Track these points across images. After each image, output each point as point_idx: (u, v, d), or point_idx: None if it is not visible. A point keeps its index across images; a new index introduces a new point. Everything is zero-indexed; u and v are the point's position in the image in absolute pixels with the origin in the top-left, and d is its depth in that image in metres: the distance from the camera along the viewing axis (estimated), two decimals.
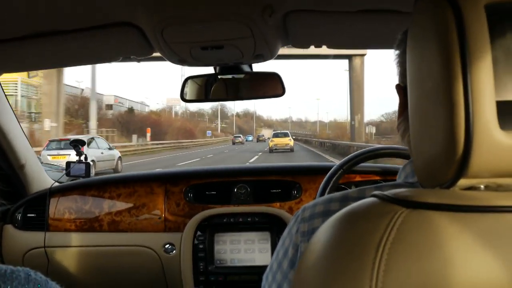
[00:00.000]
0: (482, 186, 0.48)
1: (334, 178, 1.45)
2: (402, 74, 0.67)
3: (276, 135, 31.19)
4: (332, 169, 1.46)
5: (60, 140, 13.81)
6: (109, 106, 45.81)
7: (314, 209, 0.69)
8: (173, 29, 1.13)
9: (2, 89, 1.65)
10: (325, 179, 1.47)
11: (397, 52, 0.69)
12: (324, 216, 0.66)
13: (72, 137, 14.47)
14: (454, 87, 0.45)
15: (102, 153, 14.34)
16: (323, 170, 1.65)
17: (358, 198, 0.61)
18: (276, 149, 28.19)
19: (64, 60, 1.48)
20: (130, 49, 1.36)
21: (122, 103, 51.45)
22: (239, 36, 1.20)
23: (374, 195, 0.50)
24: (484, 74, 0.45)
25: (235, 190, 1.76)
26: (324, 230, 0.51)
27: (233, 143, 50.38)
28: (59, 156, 12.56)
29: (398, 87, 0.69)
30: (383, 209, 0.47)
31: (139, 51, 1.35)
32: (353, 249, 0.45)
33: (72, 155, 13.11)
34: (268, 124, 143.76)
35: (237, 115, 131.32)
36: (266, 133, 72.65)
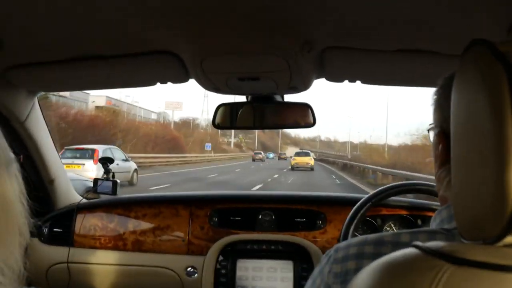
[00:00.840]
0: None
1: (362, 210, 1.51)
2: (442, 120, 0.67)
3: (298, 154, 34.68)
4: (361, 201, 1.50)
5: (76, 149, 13.97)
6: (100, 109, 39.12)
7: (347, 251, 0.69)
8: (213, 59, 1.20)
9: (40, 106, 1.79)
10: (353, 210, 1.52)
11: (435, 96, 0.70)
12: (358, 259, 0.67)
13: (87, 146, 14.62)
14: (506, 144, 0.46)
15: (117, 164, 14.44)
16: (349, 202, 1.70)
17: (393, 243, 0.64)
18: (297, 167, 30.71)
19: (102, 83, 1.57)
20: (167, 75, 1.43)
21: (117, 106, 45.55)
22: (276, 69, 1.26)
23: (415, 246, 0.51)
24: None
25: (260, 216, 1.81)
26: (364, 278, 0.52)
27: (253, 160, 50.48)
28: (74, 165, 12.73)
29: (440, 134, 0.68)
30: (428, 264, 0.47)
31: (176, 77, 1.43)
32: None
33: (86, 165, 13.13)
34: (295, 142, 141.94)
35: (262, 130, 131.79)
36: (291, 151, 72.78)
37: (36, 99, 1.71)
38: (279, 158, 65.54)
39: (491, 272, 0.44)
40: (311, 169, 30.48)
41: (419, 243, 0.50)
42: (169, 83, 1.51)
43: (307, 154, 34.09)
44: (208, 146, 48.25)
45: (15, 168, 0.61)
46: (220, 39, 1.12)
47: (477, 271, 0.44)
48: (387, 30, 1.09)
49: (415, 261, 0.48)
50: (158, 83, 1.51)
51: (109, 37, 1.19)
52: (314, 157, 35.92)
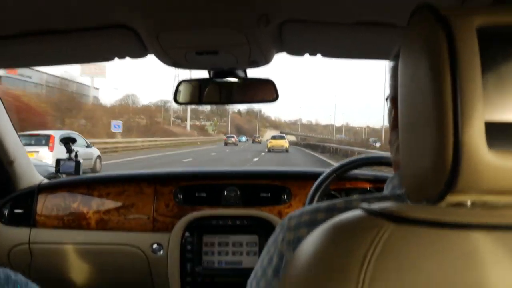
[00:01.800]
0: (468, 203, 0.52)
1: (326, 182, 1.60)
2: (395, 88, 0.71)
3: (274, 137, 37.81)
4: (325, 173, 1.56)
5: (30, 136, 12.80)
6: None
7: (300, 219, 0.72)
8: (169, 34, 1.23)
9: None
10: (316, 183, 1.58)
11: (391, 65, 0.75)
12: (309, 226, 0.70)
13: (42, 132, 14.05)
14: (444, 107, 0.50)
15: (77, 151, 13.88)
16: (313, 176, 1.80)
17: (345, 209, 0.65)
18: (273, 149, 33.90)
19: (59, 59, 1.57)
20: (125, 50, 1.46)
21: (30, 77, 36.40)
22: (234, 43, 1.30)
23: (361, 208, 0.54)
24: (473, 95, 0.49)
25: (225, 192, 1.88)
26: (310, 242, 0.56)
27: (225, 144, 49.56)
28: (27, 153, 12.17)
29: (392, 100, 0.73)
30: (370, 223, 0.51)
31: (134, 52, 1.45)
32: (338, 263, 0.49)
33: (41, 152, 12.61)
34: (275, 125, 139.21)
35: (238, 112, 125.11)
36: (269, 134, 72.52)
37: None
38: (253, 142, 65.52)
39: (429, 229, 0.47)
40: (286, 151, 33.94)
41: (365, 205, 0.54)
42: (127, 58, 1.56)
43: (282, 138, 37.95)
44: (116, 125, 32.10)
45: None
46: (176, 13, 1.15)
47: (416, 228, 0.48)
48: (344, 2, 1.15)
49: (358, 222, 0.52)
50: (116, 58, 1.54)
51: (63, 11, 1.21)
52: (296, 140, 38.23)
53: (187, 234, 1.83)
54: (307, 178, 1.89)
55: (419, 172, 0.53)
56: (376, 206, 0.53)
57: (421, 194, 0.53)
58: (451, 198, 0.51)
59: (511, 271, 0.46)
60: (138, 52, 1.45)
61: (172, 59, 1.46)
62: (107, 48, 1.50)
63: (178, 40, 1.30)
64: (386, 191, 0.74)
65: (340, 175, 1.56)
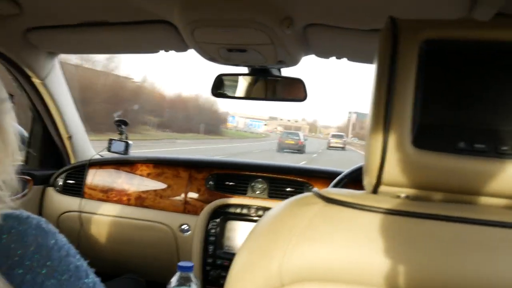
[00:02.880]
0: (402, 195, 0.59)
1: (339, 185, 1.66)
2: None
3: (333, 136, 37.94)
4: (338, 177, 1.63)
5: None
6: None
7: None
8: (202, 30, 1.35)
9: (61, 67, 2.05)
10: (332, 183, 1.67)
11: None
12: None
13: None
14: (379, 110, 0.57)
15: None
16: (335, 175, 1.87)
17: None
18: (333, 147, 34.03)
19: (110, 48, 1.76)
20: (168, 44, 1.60)
21: None
22: (260, 43, 1.39)
23: (313, 191, 0.63)
24: (404, 100, 0.56)
25: (253, 184, 1.99)
26: (267, 213, 0.65)
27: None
28: None
29: None
30: (310, 201, 0.59)
31: (176, 46, 1.60)
32: (276, 229, 0.58)
33: None
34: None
35: None
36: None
37: (56, 60, 1.96)
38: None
39: (348, 208, 0.56)
40: (343, 149, 34.39)
41: (316, 189, 0.63)
42: (171, 52, 1.72)
43: (341, 137, 38.08)
44: None
45: (8, 105, 0.75)
46: (207, 11, 1.26)
47: (338, 207, 0.57)
48: (362, 10, 1.20)
49: (303, 199, 0.61)
50: (162, 51, 1.71)
51: (111, 5, 1.37)
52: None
53: (212, 219, 1.95)
54: (330, 176, 1.93)
55: (365, 167, 0.61)
56: (323, 190, 0.61)
57: (367, 185, 0.61)
58: (386, 189, 0.59)
59: (410, 250, 0.52)
60: (180, 46, 1.60)
61: (208, 54, 1.58)
62: (152, 41, 1.65)
63: (210, 37, 1.42)
64: None
65: (353, 179, 1.60)
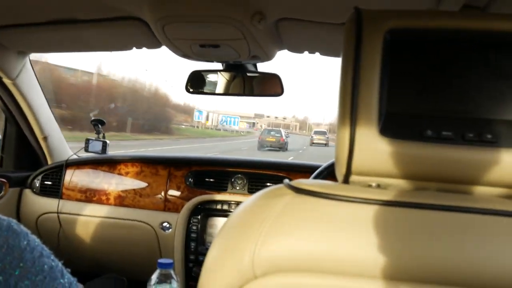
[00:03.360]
0: (373, 184, 0.60)
1: (319, 178, 1.67)
2: None
3: (316, 133, 37.77)
4: (317, 170, 1.66)
5: None
6: None
7: None
8: (173, 26, 1.33)
9: (32, 67, 2.01)
10: (311, 177, 1.69)
11: None
12: None
13: None
14: (345, 100, 0.58)
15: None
16: (315, 169, 1.87)
17: None
18: (316, 144, 34.24)
19: (81, 46, 1.73)
20: (140, 41, 1.58)
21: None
22: (232, 38, 1.38)
23: (284, 183, 0.63)
24: (370, 89, 0.57)
25: (233, 179, 1.98)
26: (241, 204, 0.65)
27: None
28: None
29: None
30: (281, 192, 0.59)
31: (148, 43, 1.58)
32: (247, 220, 0.58)
33: None
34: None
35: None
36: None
37: (27, 60, 1.91)
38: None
39: (318, 198, 0.56)
40: (326, 145, 34.47)
41: (286, 180, 0.64)
42: (144, 49, 1.69)
43: (323, 133, 38.20)
44: None
45: None
46: (177, 7, 1.25)
47: (308, 197, 0.57)
48: (335, 3, 1.20)
49: (274, 191, 0.61)
50: (134, 48, 1.68)
51: (80, 2, 1.35)
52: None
53: (193, 215, 1.94)
54: (310, 170, 1.93)
55: (336, 157, 0.61)
56: (295, 181, 0.61)
57: (339, 176, 0.62)
58: (357, 179, 0.60)
59: (381, 237, 0.53)
60: (152, 43, 1.58)
61: (180, 51, 1.56)
62: (124, 39, 1.63)
63: (182, 33, 1.40)
64: None
65: (332, 172, 1.60)
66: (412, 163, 0.58)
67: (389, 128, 0.58)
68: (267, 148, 25.27)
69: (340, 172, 0.61)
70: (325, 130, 43.81)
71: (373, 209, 0.54)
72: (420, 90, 0.59)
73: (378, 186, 0.60)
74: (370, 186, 0.60)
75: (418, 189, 0.60)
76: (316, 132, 39.20)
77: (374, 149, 0.57)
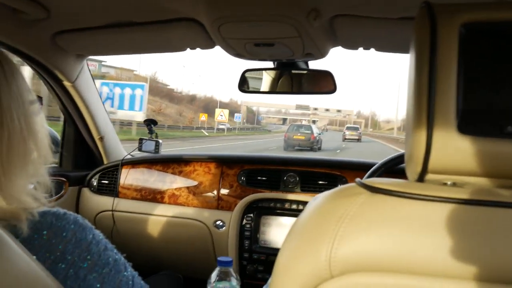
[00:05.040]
0: (449, 182, 0.59)
1: (375, 176, 1.64)
2: None
3: (348, 128, 38.94)
4: (374, 167, 1.63)
5: None
6: None
7: None
8: (229, 26, 1.34)
9: (89, 69, 2.07)
10: (366, 175, 1.66)
11: None
12: None
13: None
14: (421, 96, 0.56)
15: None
16: (369, 167, 1.84)
17: None
18: (348, 139, 35.75)
19: (137, 48, 1.77)
20: (194, 42, 1.60)
21: None
22: (287, 36, 1.38)
23: (355, 181, 0.63)
24: (447, 86, 0.56)
25: (285, 178, 1.98)
26: (311, 203, 0.65)
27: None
28: None
29: None
30: (354, 191, 0.59)
31: (202, 44, 1.59)
32: (322, 220, 0.58)
33: None
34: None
35: None
36: None
37: (85, 63, 1.97)
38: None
39: (394, 197, 0.56)
40: (358, 140, 35.96)
41: (358, 179, 0.64)
42: (198, 49, 1.71)
43: (356, 129, 39.28)
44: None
45: (38, 106, 0.78)
46: (233, 6, 1.26)
47: (385, 196, 0.56)
48: None
49: (347, 190, 0.61)
50: (188, 49, 1.70)
51: (136, 6, 1.38)
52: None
53: (247, 214, 1.95)
54: (364, 168, 1.90)
55: (408, 156, 0.61)
56: (367, 180, 0.61)
57: (411, 174, 0.61)
58: (433, 177, 0.59)
59: (464, 238, 0.52)
60: (206, 43, 1.59)
61: (235, 50, 1.57)
62: (179, 39, 1.65)
63: (237, 32, 1.41)
64: None
65: (389, 168, 1.57)
66: (491, 160, 0.56)
67: (467, 125, 0.56)
68: (296, 148, 22.33)
69: (414, 170, 0.60)
70: (358, 126, 44.97)
71: (450, 208, 0.53)
72: (497, 85, 0.57)
73: (454, 184, 0.59)
74: (445, 184, 0.59)
75: (497, 187, 0.58)
76: (349, 128, 40.07)
77: (452, 147, 0.56)
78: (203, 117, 42.60)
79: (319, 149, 23.08)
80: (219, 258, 1.26)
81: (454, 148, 0.56)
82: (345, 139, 36.33)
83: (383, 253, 0.53)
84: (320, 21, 1.30)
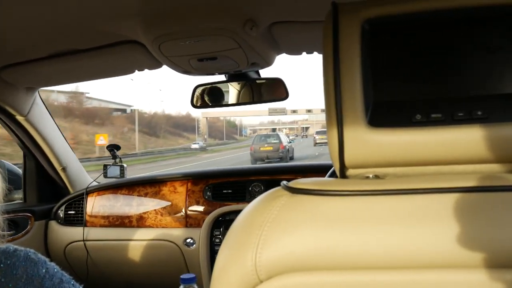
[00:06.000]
0: (371, 175, 0.60)
1: (334, 176, 1.64)
2: None
3: (318, 133, 37.00)
4: (331, 169, 1.65)
5: None
6: None
7: None
8: (169, 44, 1.34)
9: (42, 100, 2.05)
10: (326, 176, 1.66)
11: None
12: None
13: None
14: (329, 94, 0.57)
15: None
16: (331, 168, 1.84)
17: None
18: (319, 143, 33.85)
19: (86, 75, 1.77)
20: (140, 63, 1.60)
21: None
22: (228, 48, 1.38)
23: (282, 184, 0.63)
24: (352, 82, 0.56)
25: (250, 188, 1.98)
26: (242, 212, 0.64)
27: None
28: None
29: None
30: (278, 194, 0.59)
31: (149, 64, 1.60)
32: (248, 226, 0.58)
33: None
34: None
35: None
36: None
37: (37, 95, 1.95)
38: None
39: (312, 196, 0.56)
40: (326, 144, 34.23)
41: (284, 182, 0.63)
42: (146, 70, 1.71)
43: (325, 133, 37.55)
44: None
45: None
46: (169, 24, 1.26)
47: (303, 196, 0.57)
48: (320, 2, 1.16)
49: (271, 194, 0.61)
50: (136, 71, 1.71)
51: (80, 33, 1.37)
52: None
53: (215, 229, 1.94)
54: (328, 170, 1.91)
55: (330, 153, 0.61)
56: (292, 182, 0.61)
57: (337, 171, 0.62)
58: (354, 172, 0.59)
59: (382, 227, 0.52)
60: (152, 63, 1.59)
61: (181, 67, 1.57)
62: (124, 62, 1.65)
63: (178, 49, 1.41)
64: None
65: None
66: (404, 149, 0.57)
67: (378, 117, 0.57)
68: (266, 161, 19.47)
69: (336, 167, 0.61)
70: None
71: (370, 200, 0.54)
72: (405, 76, 0.58)
73: (376, 176, 0.59)
74: (367, 177, 0.59)
75: (416, 175, 0.59)
76: (318, 132, 38.80)
77: (364, 140, 0.56)
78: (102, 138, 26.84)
79: (291, 158, 21.21)
80: (181, 276, 1.25)
81: (364, 142, 0.56)
82: (316, 143, 35.22)
83: (305, 253, 0.53)
84: (258, 31, 1.31)
